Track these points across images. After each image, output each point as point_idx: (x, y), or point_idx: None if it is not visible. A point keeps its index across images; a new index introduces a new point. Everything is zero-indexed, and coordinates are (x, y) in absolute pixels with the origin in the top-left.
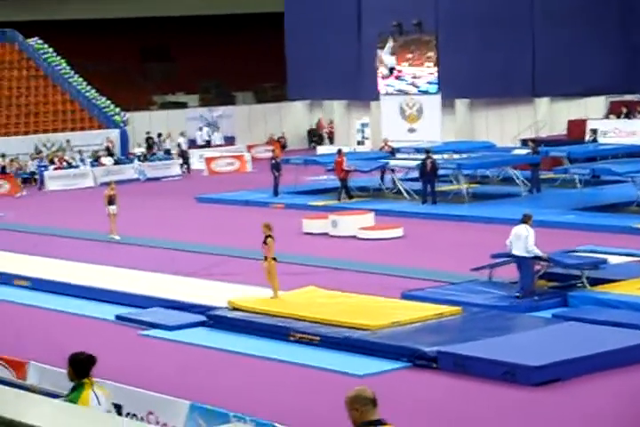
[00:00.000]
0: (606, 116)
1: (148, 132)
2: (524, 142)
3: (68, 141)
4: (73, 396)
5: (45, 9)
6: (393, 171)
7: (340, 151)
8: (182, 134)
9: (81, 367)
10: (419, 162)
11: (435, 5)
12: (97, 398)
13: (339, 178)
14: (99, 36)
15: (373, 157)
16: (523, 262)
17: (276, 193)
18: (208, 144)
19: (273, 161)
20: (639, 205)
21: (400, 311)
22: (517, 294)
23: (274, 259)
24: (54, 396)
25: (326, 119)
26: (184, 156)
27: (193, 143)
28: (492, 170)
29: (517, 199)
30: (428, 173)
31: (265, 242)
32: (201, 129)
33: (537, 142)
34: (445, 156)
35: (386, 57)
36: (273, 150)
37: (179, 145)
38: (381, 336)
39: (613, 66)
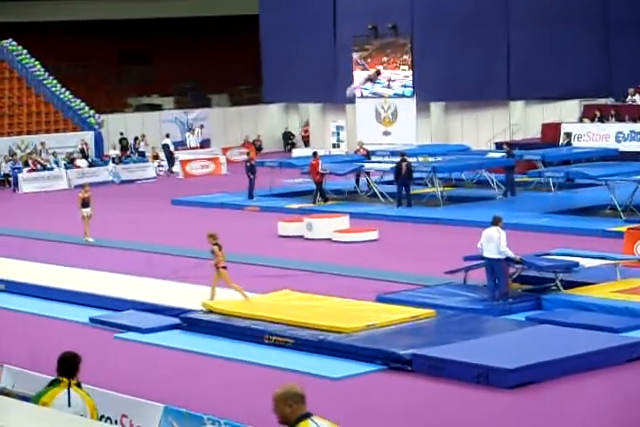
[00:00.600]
0: (580, 120)
1: (121, 134)
2: (499, 146)
3: (42, 144)
4: (42, 390)
5: (20, 11)
6: (368, 174)
7: (315, 154)
8: (168, 136)
9: (64, 365)
10: (394, 165)
11: (410, 8)
12: (69, 398)
13: (314, 181)
14: (74, 39)
15: (348, 160)
16: (495, 265)
17: (251, 196)
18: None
19: (248, 164)
20: (613, 208)
21: (375, 314)
22: (496, 297)
23: (224, 267)
24: (29, 399)
25: (302, 122)
26: (171, 156)
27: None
28: (467, 173)
29: (492, 202)
30: (403, 176)
31: (212, 251)
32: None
33: (512, 146)
34: (420, 159)
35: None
36: (248, 153)
37: (165, 146)
38: (356, 339)
39: (587, 70)
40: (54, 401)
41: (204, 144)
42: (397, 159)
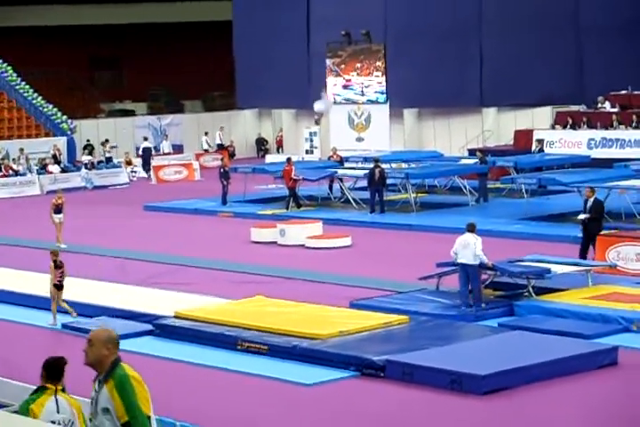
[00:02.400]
0: (552, 127)
1: (88, 140)
2: (472, 152)
3: (21, 150)
4: (29, 398)
5: None
6: (341, 180)
7: (289, 160)
8: (146, 139)
9: (51, 371)
10: (367, 171)
11: (383, 15)
12: (57, 405)
13: (287, 187)
14: (46, 44)
15: (322, 166)
16: (471, 270)
17: (224, 202)
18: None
19: (222, 170)
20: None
21: (348, 320)
22: (471, 303)
23: (54, 285)
24: (2, 406)
25: (275, 128)
26: (148, 160)
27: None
28: (440, 179)
29: (465, 209)
30: (377, 183)
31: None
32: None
33: (485, 152)
34: (394, 165)
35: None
36: (222, 159)
37: (146, 150)
38: (329, 345)
39: (559, 77)
40: (44, 409)
41: (177, 149)
42: (371, 165)
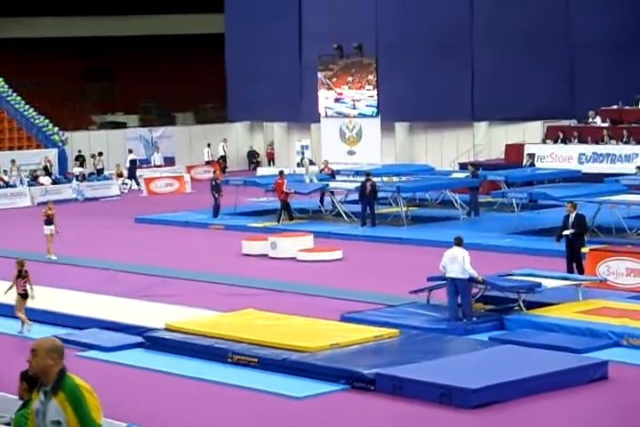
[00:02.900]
0: (543, 141)
1: (79, 151)
2: (463, 166)
3: (13, 161)
4: (24, 411)
5: None
6: (332, 193)
7: (281, 173)
8: (131, 151)
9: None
10: (358, 184)
11: (375, 29)
12: None
13: (279, 199)
14: (39, 55)
15: (319, 179)
16: (460, 285)
17: (216, 214)
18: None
19: (213, 182)
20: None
21: (339, 334)
22: (461, 317)
23: (19, 294)
24: None
25: (267, 141)
26: (133, 172)
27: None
28: (431, 193)
29: (456, 222)
30: (368, 196)
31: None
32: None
33: (476, 166)
34: (385, 178)
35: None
36: (214, 171)
37: (131, 162)
38: (320, 358)
39: (551, 91)
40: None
41: (169, 162)
42: (362, 179)
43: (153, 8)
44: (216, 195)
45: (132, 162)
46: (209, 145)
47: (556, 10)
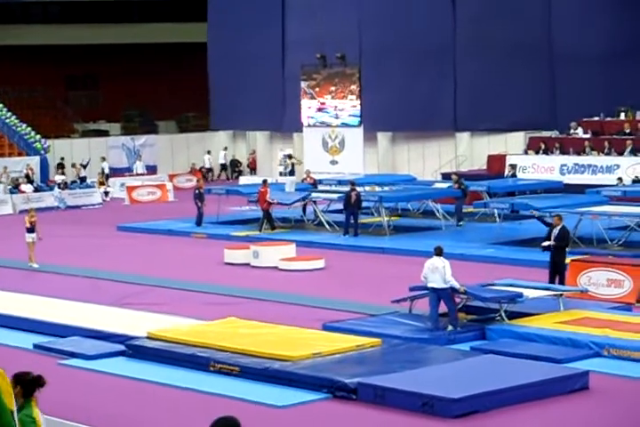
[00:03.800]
0: (525, 152)
1: (62, 158)
2: (445, 176)
3: (5, 168)
4: (27, 411)
5: None
6: (315, 202)
7: (264, 182)
8: (104, 159)
9: (30, 387)
10: (342, 194)
11: (358, 39)
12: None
13: (261, 208)
14: (21, 63)
15: (295, 189)
16: (442, 294)
17: (199, 223)
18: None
19: (197, 191)
20: None
21: (321, 343)
22: (450, 327)
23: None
24: None
25: (249, 150)
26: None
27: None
28: (413, 203)
29: (438, 232)
30: (353, 205)
31: None
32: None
33: (460, 176)
34: (367, 188)
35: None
36: (198, 180)
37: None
38: (302, 367)
39: (533, 103)
40: (42, 420)
41: (151, 170)
42: (346, 188)
43: (136, 17)
44: (199, 203)
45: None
46: (209, 152)
47: (538, 21)
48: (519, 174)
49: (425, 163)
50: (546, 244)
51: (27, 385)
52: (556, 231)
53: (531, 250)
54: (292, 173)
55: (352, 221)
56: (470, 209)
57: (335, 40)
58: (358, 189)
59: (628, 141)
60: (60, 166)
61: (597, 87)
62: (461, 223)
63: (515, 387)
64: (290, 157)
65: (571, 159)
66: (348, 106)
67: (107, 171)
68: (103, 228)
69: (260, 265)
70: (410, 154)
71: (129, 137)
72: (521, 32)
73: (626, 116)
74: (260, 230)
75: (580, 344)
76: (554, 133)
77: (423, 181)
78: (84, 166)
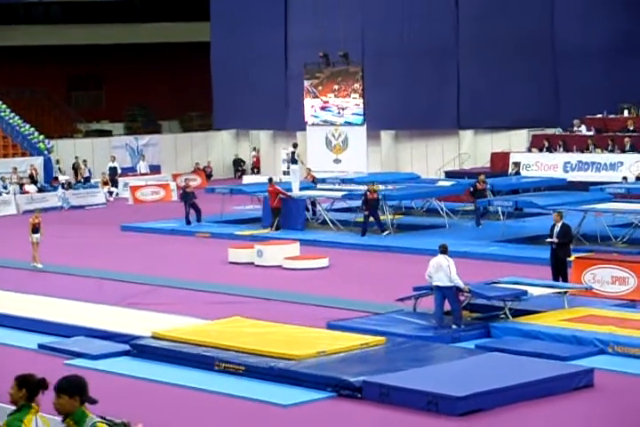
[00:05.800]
0: (529, 150)
1: (76, 157)
2: (449, 174)
3: (15, 169)
4: (19, 415)
5: None
6: (314, 202)
7: (270, 180)
8: (114, 159)
9: (35, 390)
10: (344, 192)
11: (361, 37)
12: (37, 425)
13: (271, 207)
14: (24, 63)
15: (300, 187)
16: (447, 292)
17: (187, 222)
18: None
19: (181, 191)
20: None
21: (325, 341)
22: (454, 325)
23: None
24: None
25: (251, 149)
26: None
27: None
28: (417, 201)
29: (442, 230)
30: (371, 206)
31: None
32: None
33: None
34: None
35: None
36: (185, 179)
37: (111, 169)
38: (306, 366)
39: (536, 100)
40: None
41: (154, 170)
42: (349, 187)
43: (139, 16)
44: (186, 203)
45: (112, 169)
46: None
47: (541, 19)
48: (523, 172)
49: (428, 161)
50: (549, 240)
51: (33, 388)
52: (557, 228)
53: (535, 248)
54: (294, 161)
55: (374, 221)
56: (471, 207)
57: (338, 39)
58: (361, 187)
59: (626, 139)
60: (75, 166)
61: (600, 84)
62: (482, 223)
63: (519, 385)
64: (295, 145)
65: (574, 157)
66: (352, 104)
67: (119, 171)
68: (107, 228)
69: (265, 264)
70: (413, 152)
71: (132, 137)
72: (524, 30)
73: (629, 113)
74: (273, 228)
75: (585, 342)
76: (557, 131)
77: (427, 180)
78: (84, 166)
